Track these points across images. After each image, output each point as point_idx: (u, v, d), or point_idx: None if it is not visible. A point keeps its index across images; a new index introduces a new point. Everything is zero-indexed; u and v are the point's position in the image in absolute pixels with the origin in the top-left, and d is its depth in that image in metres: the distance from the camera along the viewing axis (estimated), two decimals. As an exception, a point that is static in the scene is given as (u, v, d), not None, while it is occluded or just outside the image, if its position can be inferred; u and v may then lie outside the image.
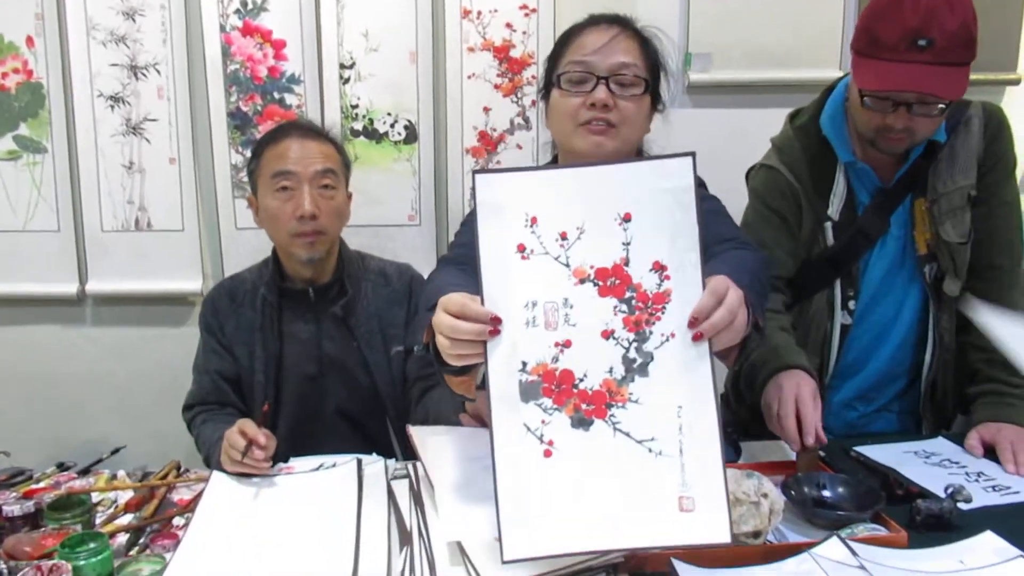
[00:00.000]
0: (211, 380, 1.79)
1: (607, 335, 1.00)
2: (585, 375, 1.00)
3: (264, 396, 1.75)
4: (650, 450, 0.98)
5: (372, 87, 2.40)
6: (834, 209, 1.67)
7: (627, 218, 1.00)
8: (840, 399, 1.77)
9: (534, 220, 1.01)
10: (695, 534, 0.96)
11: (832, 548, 1.13)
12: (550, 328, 1.00)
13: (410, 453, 1.59)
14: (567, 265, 1.01)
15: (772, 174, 1.70)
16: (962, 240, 1.63)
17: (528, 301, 1.00)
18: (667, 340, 0.99)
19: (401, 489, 1.42)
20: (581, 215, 1.01)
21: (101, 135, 2.42)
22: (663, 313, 0.99)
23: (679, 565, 1.10)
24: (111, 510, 1.40)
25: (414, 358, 1.79)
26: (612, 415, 0.99)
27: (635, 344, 0.99)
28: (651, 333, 0.99)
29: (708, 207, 1.47)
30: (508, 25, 2.37)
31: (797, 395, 1.46)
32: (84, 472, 1.58)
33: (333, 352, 1.80)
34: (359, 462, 1.52)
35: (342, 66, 2.38)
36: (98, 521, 1.35)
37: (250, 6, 2.35)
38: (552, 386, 1.00)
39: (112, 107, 2.40)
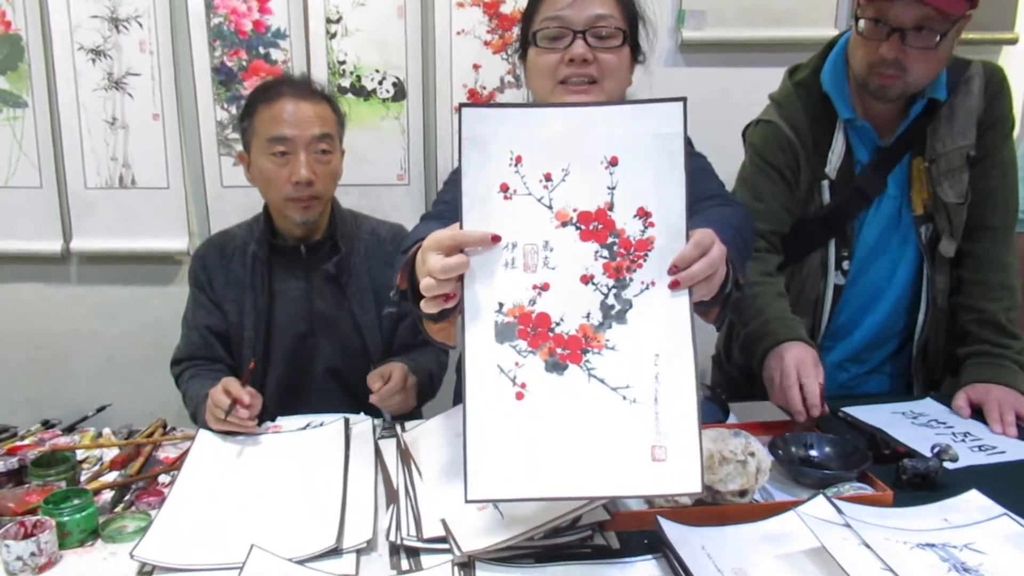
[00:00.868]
0: (200, 335, 1.77)
1: (586, 280, 0.98)
2: (562, 319, 0.99)
3: (253, 353, 1.74)
4: (624, 398, 0.97)
5: (359, 43, 2.35)
6: (831, 167, 1.65)
7: (614, 162, 0.98)
8: (832, 360, 1.76)
9: (519, 159, 0.99)
10: (666, 484, 0.95)
11: (818, 507, 1.14)
12: (529, 270, 0.98)
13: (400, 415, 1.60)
14: (550, 207, 0.99)
15: (771, 128, 1.68)
16: (960, 200, 1.62)
17: (508, 242, 0.99)
18: (647, 288, 0.98)
19: (388, 448, 1.42)
20: (567, 156, 0.99)
21: (83, 89, 2.37)
22: (645, 261, 0.97)
23: (665, 523, 1.10)
24: (96, 467, 1.39)
25: (408, 323, 1.77)
26: (587, 361, 0.98)
27: (614, 291, 0.98)
28: (631, 280, 0.98)
29: (694, 164, 1.45)
30: (499, -20, 2.32)
31: (799, 367, 1.47)
32: (69, 430, 1.57)
33: (324, 310, 1.78)
34: (346, 421, 1.51)
35: (328, 20, 2.33)
36: (83, 478, 1.34)
37: (234, -43, 2.29)
38: (528, 328, 0.98)
39: (93, 60, 2.35)
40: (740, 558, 1.06)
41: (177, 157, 2.42)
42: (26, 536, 1.08)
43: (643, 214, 0.98)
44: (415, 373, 1.63)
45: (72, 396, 2.51)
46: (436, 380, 1.77)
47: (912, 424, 1.52)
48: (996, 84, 1.61)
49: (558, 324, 0.98)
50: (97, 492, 1.27)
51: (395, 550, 1.11)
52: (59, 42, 2.34)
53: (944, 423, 1.53)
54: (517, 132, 0.99)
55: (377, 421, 1.54)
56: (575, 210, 0.98)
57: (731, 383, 1.87)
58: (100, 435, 1.53)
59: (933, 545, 1.07)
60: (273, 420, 1.58)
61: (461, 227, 0.99)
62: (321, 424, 1.54)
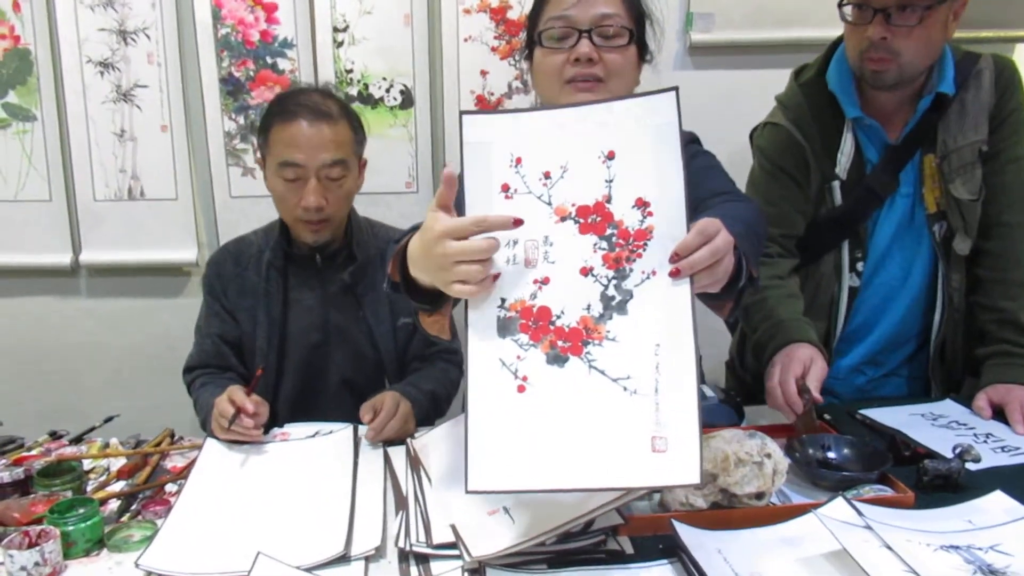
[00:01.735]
0: (212, 343, 1.75)
1: (586, 272, 0.98)
2: (563, 312, 0.99)
3: (265, 362, 1.72)
4: (625, 388, 0.96)
5: (366, 51, 2.35)
6: (841, 168, 1.63)
7: (611, 156, 0.99)
8: (848, 364, 1.74)
9: (519, 160, 1.01)
10: (666, 475, 0.95)
11: (837, 509, 1.11)
12: (530, 265, 0.99)
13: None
14: (549, 204, 1.00)
15: (778, 131, 1.66)
16: (973, 197, 1.59)
17: (509, 239, 1.00)
18: (648, 278, 0.97)
19: (397, 455, 1.40)
20: (565, 154, 1.00)
21: (91, 102, 2.37)
22: (644, 250, 0.97)
23: (680, 527, 1.08)
24: (103, 477, 1.38)
25: (419, 336, 1.75)
26: (588, 352, 0.98)
27: (614, 281, 0.98)
28: (631, 271, 0.97)
29: (702, 162, 1.44)
30: (505, -15, 2.31)
31: (783, 365, 1.46)
32: (76, 440, 1.55)
33: (338, 321, 1.76)
34: (355, 428, 1.50)
35: (335, 29, 2.33)
36: (89, 488, 1.33)
37: (240, -32, 2.29)
38: (529, 322, 0.99)
39: (101, 73, 2.35)
40: (757, 562, 1.03)
41: (185, 168, 2.42)
42: (31, 546, 1.07)
43: (641, 204, 0.98)
44: (411, 399, 1.56)
45: (81, 408, 2.50)
46: (443, 401, 1.72)
47: (932, 425, 1.49)
48: (1007, 77, 1.59)
49: (559, 317, 0.99)
50: (103, 502, 1.26)
51: (404, 556, 1.09)
52: (67, 55, 2.34)
53: (965, 424, 1.50)
54: (516, 135, 1.01)
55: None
56: (573, 205, 0.99)
57: (745, 388, 1.84)
58: (107, 445, 1.51)
59: (957, 547, 1.04)
60: (282, 428, 1.56)
61: None
62: (330, 432, 1.52)
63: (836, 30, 1.74)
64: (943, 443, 1.36)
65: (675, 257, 0.94)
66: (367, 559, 1.08)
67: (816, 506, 1.12)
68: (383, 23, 2.33)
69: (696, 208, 1.31)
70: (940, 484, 1.23)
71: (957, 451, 1.26)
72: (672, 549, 1.07)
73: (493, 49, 2.35)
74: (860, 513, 1.09)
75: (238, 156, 2.40)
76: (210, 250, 2.35)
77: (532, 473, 0.96)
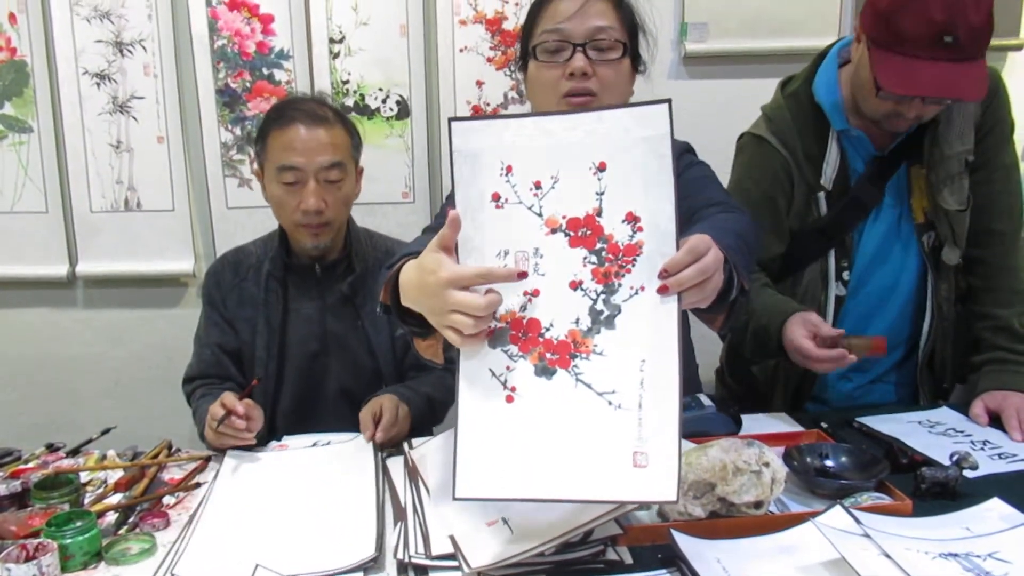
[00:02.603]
0: (212, 353, 1.75)
1: (575, 286, 0.98)
2: (551, 324, 0.99)
3: (264, 372, 1.72)
4: (609, 403, 0.97)
5: (362, 62, 2.36)
6: (827, 178, 1.63)
7: (602, 167, 0.98)
8: (837, 370, 1.73)
9: (509, 169, 1.00)
10: (644, 491, 0.95)
11: (836, 517, 1.11)
12: (520, 277, 0.99)
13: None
14: (540, 215, 1.00)
15: (761, 147, 1.66)
16: (961, 207, 1.60)
17: (500, 250, 1.00)
18: (636, 293, 0.97)
19: (396, 465, 1.40)
20: (556, 164, 0.99)
21: (87, 113, 2.37)
22: (633, 266, 0.97)
23: (679, 537, 1.08)
24: (100, 490, 1.37)
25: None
26: (575, 366, 0.98)
27: (603, 296, 0.98)
28: (620, 286, 0.97)
29: (697, 173, 1.45)
30: (500, -4, 2.32)
31: (799, 345, 1.48)
32: (73, 452, 1.55)
33: (337, 330, 1.76)
34: (355, 439, 1.50)
35: (331, 40, 2.34)
36: (87, 500, 1.33)
37: (237, -21, 2.30)
38: (519, 334, 1.00)
39: (98, 85, 2.36)
40: (756, 571, 1.03)
41: (182, 179, 2.42)
42: (28, 559, 1.06)
43: (632, 219, 0.97)
44: (408, 402, 1.58)
45: (79, 420, 2.50)
46: (438, 405, 1.72)
47: (929, 433, 1.49)
48: (992, 87, 1.58)
49: (548, 329, 0.99)
50: (101, 514, 1.25)
51: (403, 568, 1.08)
52: (64, 67, 2.35)
53: (962, 431, 1.50)
54: (506, 142, 1.00)
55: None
56: (564, 216, 0.99)
57: (734, 398, 1.84)
58: (105, 457, 1.51)
59: (956, 555, 1.04)
60: (280, 439, 1.56)
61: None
62: (328, 443, 1.52)
63: (830, 39, 1.75)
64: (940, 450, 1.36)
65: (664, 274, 0.94)
66: (365, 570, 1.08)
67: (814, 515, 1.12)
68: (379, 34, 2.34)
69: (689, 218, 1.32)
70: (938, 492, 1.23)
71: (954, 458, 1.26)
72: (671, 559, 1.07)
73: (489, 59, 2.36)
74: (858, 521, 1.09)
75: (234, 167, 2.40)
76: (207, 261, 2.36)
77: (518, 483, 0.97)
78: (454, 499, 0.98)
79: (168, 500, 1.33)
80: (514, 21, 2.33)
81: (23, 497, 1.29)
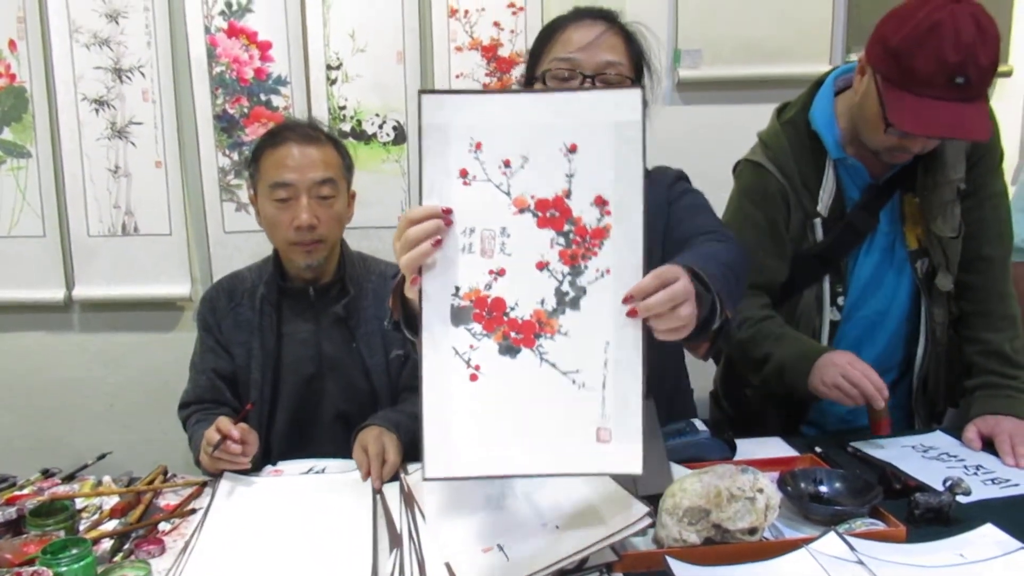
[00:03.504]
0: (208, 379, 1.75)
1: (542, 266, 1.00)
2: (516, 304, 1.00)
3: (260, 395, 1.72)
4: (574, 382, 0.99)
5: (359, 88, 2.38)
6: (823, 205, 1.64)
7: (573, 149, 1.00)
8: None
9: (479, 145, 1.00)
10: (609, 464, 0.98)
11: (830, 543, 1.12)
12: (486, 256, 1.00)
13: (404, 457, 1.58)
14: (508, 194, 1.01)
15: (758, 172, 1.67)
16: (953, 234, 1.62)
17: (466, 227, 1.01)
18: (601, 276, 0.99)
19: (391, 491, 1.40)
20: (527, 143, 1.00)
21: (86, 139, 2.39)
22: (600, 249, 0.99)
23: (674, 563, 1.08)
24: (96, 516, 1.37)
25: (410, 366, 1.76)
26: (540, 345, 1.00)
27: (569, 278, 1.00)
28: (586, 268, 0.99)
29: (690, 201, 1.46)
30: (496, 24, 2.35)
31: (851, 362, 1.49)
32: (69, 478, 1.55)
33: (332, 353, 1.76)
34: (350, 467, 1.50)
35: (329, 67, 2.36)
36: (82, 527, 1.32)
37: (235, 7, 2.33)
38: (483, 312, 1.00)
39: (97, 111, 2.37)
40: (751, 598, 1.03)
41: (179, 204, 2.43)
42: (23, 587, 1.06)
43: (600, 203, 0.99)
44: (396, 427, 1.55)
45: (74, 444, 2.50)
46: None
47: (923, 458, 1.50)
48: None
49: (513, 309, 1.00)
50: (96, 541, 1.25)
51: (399, 595, 1.09)
52: (63, 93, 2.37)
53: (955, 456, 1.51)
54: (477, 118, 1.01)
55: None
56: (533, 197, 1.00)
57: (729, 420, 1.85)
58: (100, 483, 1.51)
59: (949, 581, 1.05)
60: (275, 464, 1.56)
61: None
62: (323, 469, 1.52)
63: (823, 65, 1.78)
64: (934, 475, 1.37)
65: (629, 299, 0.96)
66: (361, 598, 1.08)
67: (808, 541, 1.12)
68: (376, 61, 2.36)
69: (680, 245, 1.34)
70: (931, 517, 1.24)
71: (947, 484, 1.27)
72: (666, 585, 1.07)
73: (485, 86, 2.38)
74: (852, 548, 1.10)
75: (232, 192, 2.42)
76: (203, 285, 2.36)
77: (485, 460, 0.99)
78: (424, 480, 1.00)
79: (164, 527, 1.33)
80: (509, 48, 2.36)
81: (18, 524, 1.29)
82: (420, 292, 1.01)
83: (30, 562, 1.15)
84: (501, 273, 1.00)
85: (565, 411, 0.98)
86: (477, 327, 1.00)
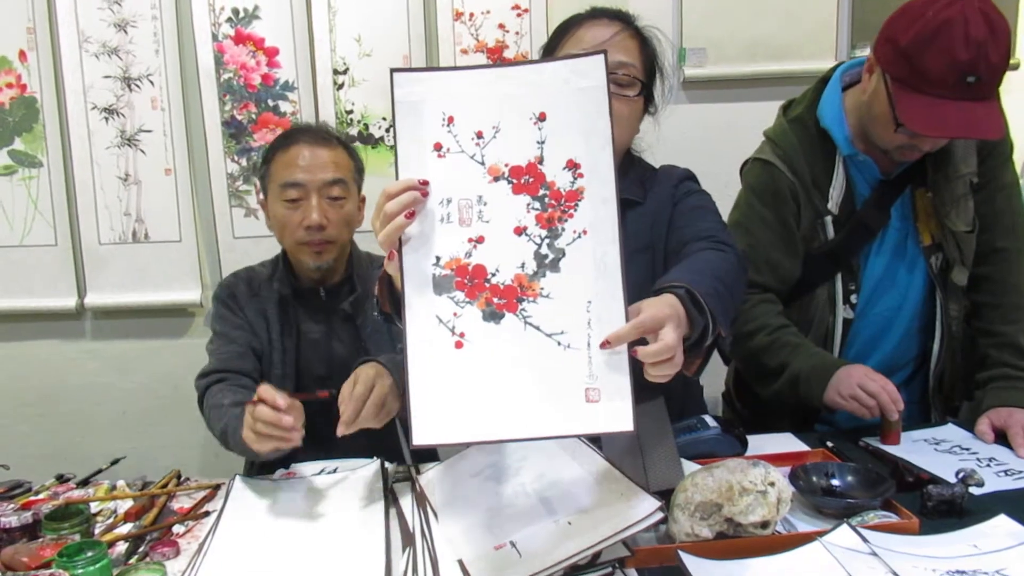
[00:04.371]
0: (236, 349, 1.67)
1: (519, 231, 1.02)
2: (497, 270, 1.02)
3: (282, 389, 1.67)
4: (559, 343, 1.00)
5: (366, 92, 2.39)
6: (833, 203, 1.64)
7: (542, 117, 1.03)
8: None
9: (451, 119, 1.04)
10: (600, 423, 0.98)
11: (843, 536, 1.11)
12: (464, 224, 1.03)
13: (417, 456, 1.58)
14: (482, 163, 1.03)
15: (767, 169, 1.66)
16: (968, 228, 1.61)
17: (443, 198, 1.03)
18: (579, 237, 1.01)
19: (404, 491, 1.41)
20: (497, 114, 1.03)
21: (96, 147, 2.41)
22: (575, 210, 1.01)
23: (687, 558, 1.08)
24: (110, 520, 1.38)
25: None
26: (523, 309, 1.01)
27: (547, 240, 1.02)
28: (563, 230, 1.02)
29: (693, 202, 1.46)
30: (501, 26, 2.36)
31: (868, 374, 1.50)
32: (83, 483, 1.56)
33: (342, 353, 1.76)
34: (382, 463, 1.50)
35: (335, 72, 2.38)
36: (97, 531, 1.33)
37: (242, 14, 2.34)
38: (465, 280, 1.02)
39: (106, 119, 2.39)
40: (765, 591, 1.03)
41: (189, 210, 2.45)
42: (40, 589, 1.07)
43: (572, 166, 1.02)
44: (397, 367, 1.38)
45: (87, 451, 2.51)
46: None
47: (935, 451, 1.50)
48: None
49: (494, 275, 1.02)
50: (111, 544, 1.26)
51: (412, 593, 1.09)
52: (73, 103, 2.39)
53: (968, 449, 1.50)
54: (448, 93, 1.04)
55: (390, 466, 1.52)
56: (507, 165, 1.03)
57: (742, 421, 1.84)
58: (114, 487, 1.52)
59: (963, 572, 1.05)
60: (287, 467, 1.57)
61: None
62: (335, 469, 1.53)
63: (828, 62, 1.78)
64: (946, 468, 1.37)
65: (606, 344, 0.98)
66: (375, 596, 1.09)
67: (821, 534, 1.12)
68: (382, 65, 2.37)
69: (678, 251, 1.34)
70: (944, 509, 1.23)
71: (960, 476, 1.26)
72: (679, 580, 1.07)
73: (490, 87, 2.38)
74: (865, 540, 1.09)
75: (241, 197, 2.43)
76: (214, 291, 2.37)
77: (474, 425, 1.00)
78: (412, 447, 1.00)
79: (178, 529, 1.34)
80: (515, 50, 2.36)
81: (34, 528, 1.30)
82: (401, 265, 1.03)
83: (46, 565, 1.15)
84: (480, 240, 1.03)
85: (552, 373, 0.99)
86: (460, 295, 1.02)
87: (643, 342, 0.98)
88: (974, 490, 1.25)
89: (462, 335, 1.02)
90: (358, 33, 2.36)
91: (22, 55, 2.37)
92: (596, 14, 1.44)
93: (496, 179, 1.03)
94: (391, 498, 1.39)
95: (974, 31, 1.36)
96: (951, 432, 1.59)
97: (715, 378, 1.95)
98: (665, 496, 1.15)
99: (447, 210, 1.03)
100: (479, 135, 1.03)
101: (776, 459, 1.42)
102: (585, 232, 1.01)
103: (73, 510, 1.33)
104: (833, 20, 2.37)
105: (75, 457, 2.48)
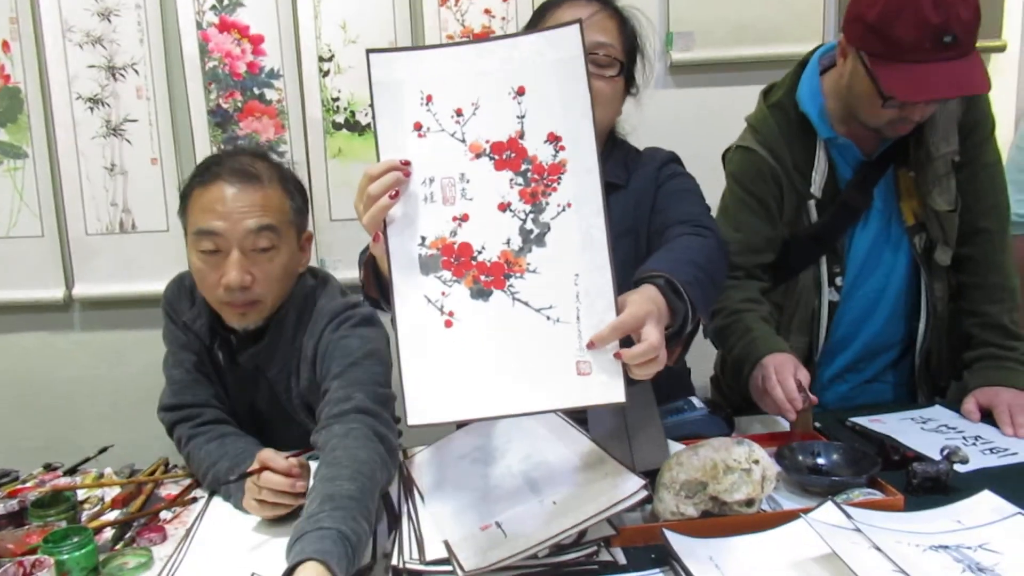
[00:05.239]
0: (186, 377, 1.52)
1: (504, 208, 1.02)
2: (483, 247, 1.02)
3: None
4: (548, 318, 1.00)
5: (352, 79, 2.38)
6: (816, 186, 1.63)
7: (521, 91, 1.02)
8: (830, 373, 1.74)
9: (429, 98, 1.03)
10: (592, 395, 0.98)
11: (827, 513, 1.11)
12: (448, 203, 1.02)
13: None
14: (463, 141, 1.03)
15: (749, 155, 1.66)
16: (950, 208, 1.61)
17: (425, 178, 1.03)
18: (563, 210, 1.01)
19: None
20: (476, 91, 1.03)
21: (81, 138, 2.39)
22: (559, 184, 1.01)
23: (672, 536, 1.08)
24: (98, 507, 1.38)
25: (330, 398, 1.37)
26: (511, 285, 1.01)
27: (532, 215, 1.01)
28: (547, 204, 1.01)
29: (677, 185, 1.46)
30: (486, 11, 2.35)
31: (777, 368, 1.46)
32: (71, 472, 1.56)
33: (261, 407, 1.56)
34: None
35: (321, 59, 2.36)
36: (84, 518, 1.33)
37: (226, 2, 2.33)
38: (451, 259, 1.02)
39: (91, 109, 2.38)
40: (749, 567, 1.04)
41: (175, 199, 2.42)
42: None
43: (553, 139, 1.01)
44: (327, 558, 0.99)
45: (76, 442, 2.49)
46: (364, 536, 1.08)
47: (921, 430, 1.50)
48: None
49: (480, 252, 1.02)
50: (98, 530, 1.26)
51: (398, 573, 1.09)
52: (57, 93, 2.37)
53: (954, 428, 1.51)
54: (425, 72, 1.03)
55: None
56: (488, 141, 1.03)
57: (730, 405, 1.85)
58: (102, 475, 1.51)
59: (947, 547, 1.05)
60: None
61: None
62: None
63: (814, 45, 1.77)
64: (932, 446, 1.37)
65: (590, 345, 0.98)
66: (361, 578, 1.08)
67: (806, 511, 1.13)
68: (368, 51, 2.36)
69: (661, 234, 1.34)
70: (929, 486, 1.24)
71: (945, 453, 1.27)
72: (664, 558, 1.08)
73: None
74: (849, 516, 1.10)
75: (228, 186, 2.42)
76: (202, 280, 2.36)
77: (468, 403, 1.00)
78: (408, 426, 1.01)
79: (165, 515, 1.34)
80: (501, 35, 2.35)
81: (21, 516, 1.30)
82: (387, 247, 1.02)
83: (32, 551, 1.15)
84: (464, 218, 1.02)
85: (542, 348, 0.99)
86: (447, 274, 1.02)
87: (627, 339, 0.98)
88: (960, 467, 1.26)
89: (451, 314, 1.01)
90: (343, 20, 2.34)
91: (5, 45, 2.35)
92: None
93: (478, 156, 1.02)
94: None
95: None
96: (938, 412, 1.60)
97: (704, 362, 1.96)
98: (651, 476, 1.15)
99: (430, 189, 1.02)
100: (458, 112, 1.03)
101: (763, 439, 1.43)
102: (569, 205, 1.01)
103: (60, 497, 1.34)
104: (820, 3, 2.37)
105: (65, 449, 2.44)
